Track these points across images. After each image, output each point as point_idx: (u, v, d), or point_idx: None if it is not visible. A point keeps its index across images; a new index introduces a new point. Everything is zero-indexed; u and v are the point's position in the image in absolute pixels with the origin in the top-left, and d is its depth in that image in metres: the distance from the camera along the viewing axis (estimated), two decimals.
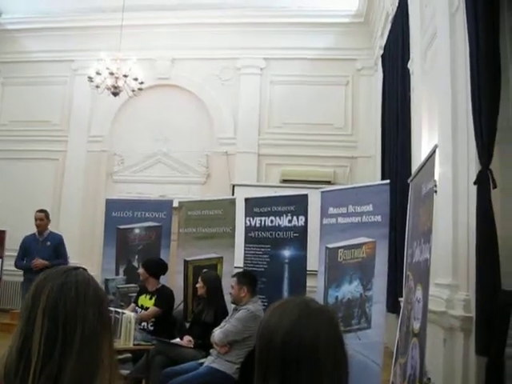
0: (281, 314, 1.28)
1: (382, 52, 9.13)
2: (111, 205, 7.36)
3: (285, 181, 10.33)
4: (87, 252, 10.25)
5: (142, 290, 5.88)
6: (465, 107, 4.80)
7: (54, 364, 1.08)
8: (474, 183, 4.25)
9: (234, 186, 10.21)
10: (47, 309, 1.12)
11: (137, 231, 7.14)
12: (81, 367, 1.10)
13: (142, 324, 5.50)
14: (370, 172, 9.90)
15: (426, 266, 3.61)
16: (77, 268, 1.26)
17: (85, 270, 1.28)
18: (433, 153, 3.61)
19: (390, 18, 8.28)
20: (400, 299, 6.49)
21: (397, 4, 7.72)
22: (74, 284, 1.18)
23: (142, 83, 8.70)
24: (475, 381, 4.32)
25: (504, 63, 4.28)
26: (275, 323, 1.26)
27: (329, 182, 9.87)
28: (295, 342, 1.21)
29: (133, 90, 8.73)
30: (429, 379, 4.80)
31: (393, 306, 6.56)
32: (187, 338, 5.02)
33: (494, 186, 4.16)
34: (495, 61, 4.17)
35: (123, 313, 4.89)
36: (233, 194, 9.65)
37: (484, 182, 4.19)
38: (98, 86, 8.56)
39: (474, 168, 4.51)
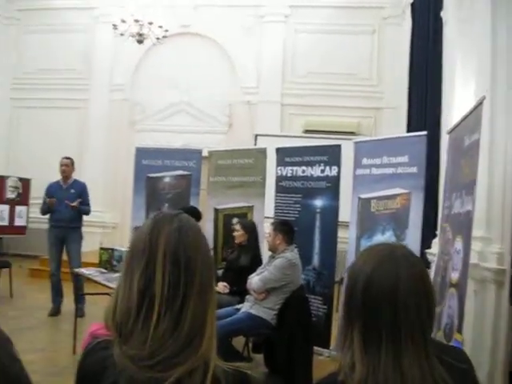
0: (365, 258, 1.29)
1: (411, 0, 8.91)
2: (141, 153, 7.37)
3: (308, 131, 10.27)
4: (109, 200, 10.38)
5: None
6: (505, 57, 4.72)
7: (176, 306, 1.12)
8: None
9: (256, 136, 10.19)
10: (168, 253, 1.15)
11: (167, 180, 7.18)
12: (199, 307, 1.14)
13: None
14: (394, 123, 9.75)
15: (468, 217, 3.63)
16: (180, 212, 1.27)
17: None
18: (479, 104, 3.58)
19: None
20: (427, 251, 6.55)
21: None
22: (190, 228, 1.21)
23: (166, 31, 8.62)
24: (507, 329, 4.41)
25: None
26: (359, 268, 1.28)
27: (353, 133, 9.79)
28: (375, 288, 1.21)
29: (157, 38, 8.66)
30: None
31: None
32: (222, 283, 5.11)
33: None
34: None
35: None
36: (255, 144, 9.65)
37: None
38: (122, 34, 8.49)
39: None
